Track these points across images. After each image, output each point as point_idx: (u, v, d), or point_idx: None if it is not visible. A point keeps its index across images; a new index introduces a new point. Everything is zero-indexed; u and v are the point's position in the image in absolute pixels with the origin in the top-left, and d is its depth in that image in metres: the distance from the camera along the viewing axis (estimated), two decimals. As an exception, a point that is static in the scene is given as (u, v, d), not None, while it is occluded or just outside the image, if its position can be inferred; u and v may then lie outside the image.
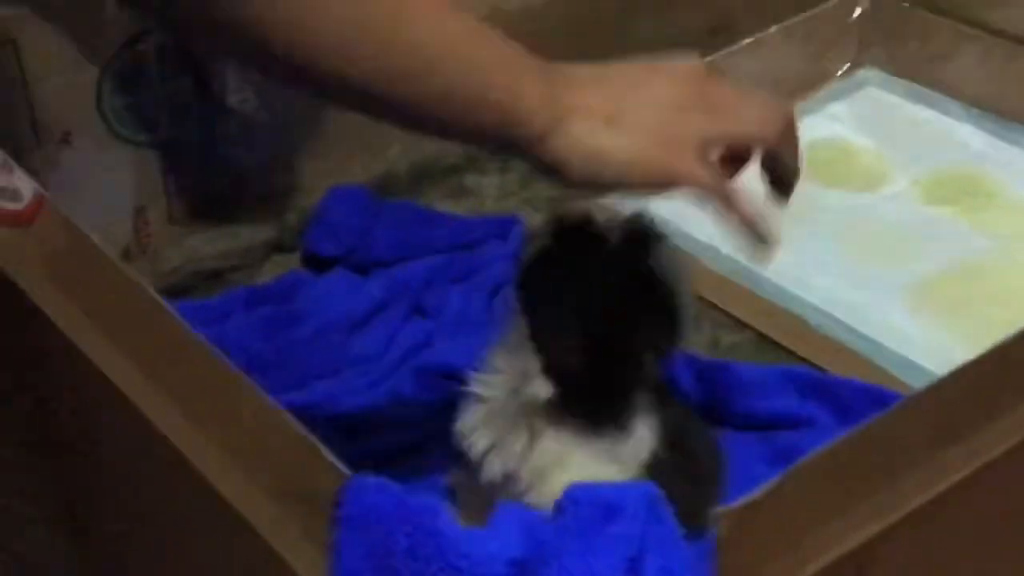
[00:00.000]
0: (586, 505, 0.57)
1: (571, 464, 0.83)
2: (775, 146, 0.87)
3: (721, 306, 1.30)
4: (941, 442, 0.61)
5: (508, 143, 0.78)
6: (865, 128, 1.58)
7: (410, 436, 1.16)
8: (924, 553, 0.62)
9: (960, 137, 1.55)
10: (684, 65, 0.83)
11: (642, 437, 0.87)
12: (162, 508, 0.73)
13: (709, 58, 1.51)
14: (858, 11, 1.65)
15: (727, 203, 0.82)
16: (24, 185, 0.78)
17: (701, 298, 1.30)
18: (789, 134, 0.87)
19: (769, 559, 0.55)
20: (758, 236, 0.85)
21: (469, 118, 0.76)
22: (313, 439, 0.58)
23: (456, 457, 0.94)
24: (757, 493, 0.53)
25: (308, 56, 0.69)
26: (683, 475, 0.86)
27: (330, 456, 0.57)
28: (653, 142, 0.79)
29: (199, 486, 0.63)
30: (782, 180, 0.88)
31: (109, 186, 1.26)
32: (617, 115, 0.78)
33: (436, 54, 0.73)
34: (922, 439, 0.60)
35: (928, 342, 1.25)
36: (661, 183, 0.80)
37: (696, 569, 0.55)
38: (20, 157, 0.85)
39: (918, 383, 1.17)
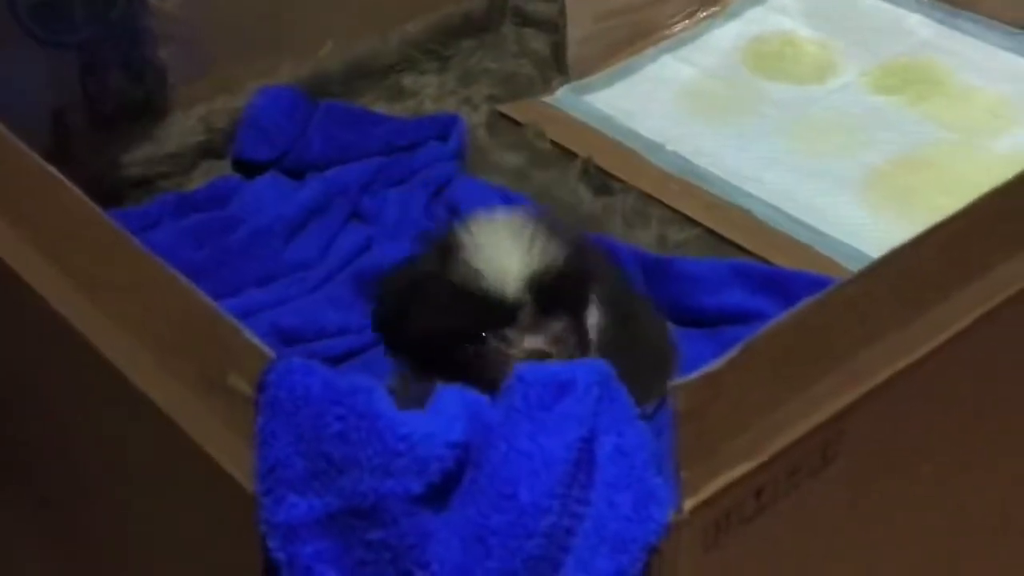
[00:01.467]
0: (535, 385, 0.54)
1: None
2: None
3: (668, 203, 1.27)
4: (907, 312, 0.58)
5: None
6: (811, 19, 1.54)
7: (350, 342, 1.13)
8: (894, 428, 0.59)
9: (908, 26, 1.53)
10: None
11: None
12: (76, 406, 0.68)
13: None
14: None
15: None
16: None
17: (648, 195, 1.28)
18: None
19: (730, 435, 0.51)
20: None
21: None
22: (232, 320, 0.54)
23: (398, 361, 0.91)
24: (716, 365, 0.49)
25: None
26: (635, 361, 0.82)
27: (251, 337, 0.53)
28: None
29: (112, 379, 0.59)
30: None
31: (24, 89, 1.20)
32: None
33: None
34: (887, 308, 0.57)
35: (878, 233, 1.23)
36: None
37: (652, 447, 0.52)
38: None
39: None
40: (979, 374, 0.64)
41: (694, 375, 0.49)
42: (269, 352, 0.53)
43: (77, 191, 0.62)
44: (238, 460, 0.54)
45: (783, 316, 0.52)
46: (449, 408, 0.53)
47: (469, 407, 0.53)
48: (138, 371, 0.58)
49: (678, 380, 0.49)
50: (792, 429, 0.53)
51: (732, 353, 0.50)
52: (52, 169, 0.64)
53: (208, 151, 1.32)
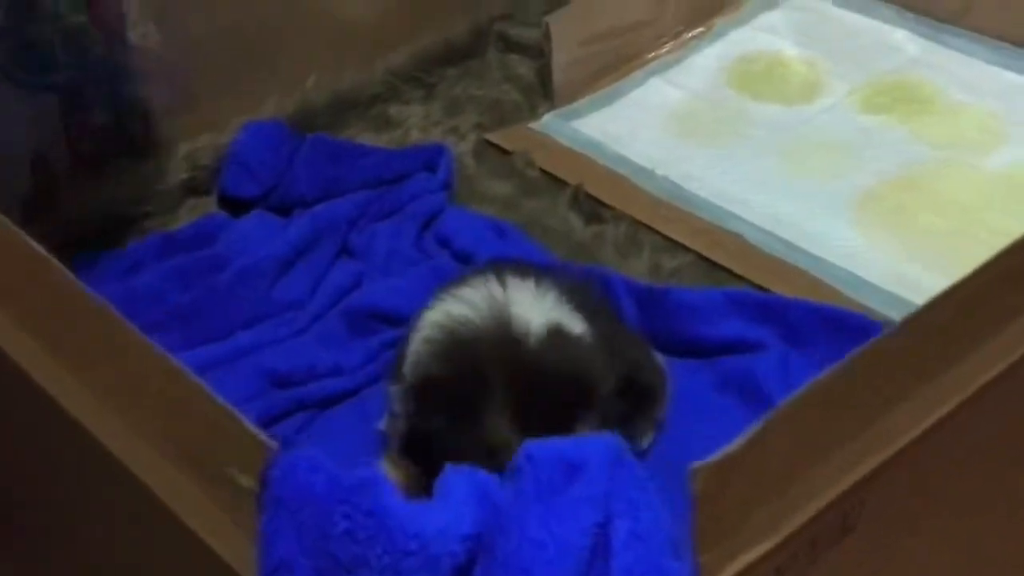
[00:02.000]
0: (544, 465, 0.52)
1: None
2: None
3: (659, 229, 1.26)
4: (928, 372, 0.57)
5: None
6: (798, 38, 1.53)
7: (344, 383, 1.11)
8: (916, 489, 0.58)
9: (895, 43, 1.52)
10: None
11: None
12: (72, 494, 0.66)
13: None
14: (786, -84, 1.60)
15: None
16: None
17: (639, 222, 1.26)
18: None
19: (748, 514, 0.50)
20: None
21: None
22: (233, 410, 0.52)
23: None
24: (734, 446, 0.48)
25: None
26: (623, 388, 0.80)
27: (253, 428, 0.51)
28: None
29: (113, 470, 0.57)
30: None
31: (4, 132, 1.18)
32: None
33: None
34: (907, 372, 0.55)
35: (872, 255, 1.22)
36: None
37: (670, 531, 0.50)
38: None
39: (863, 298, 1.15)
40: (1001, 428, 0.62)
41: (712, 458, 0.47)
42: (272, 444, 0.51)
43: (66, 271, 0.60)
44: (242, 556, 0.52)
45: (802, 389, 0.51)
46: (457, 493, 0.51)
47: (478, 488, 0.52)
48: (137, 459, 0.56)
49: (697, 464, 0.47)
50: (812, 503, 0.52)
51: (750, 432, 0.48)
52: (37, 245, 0.62)
53: (193, 189, 1.30)
